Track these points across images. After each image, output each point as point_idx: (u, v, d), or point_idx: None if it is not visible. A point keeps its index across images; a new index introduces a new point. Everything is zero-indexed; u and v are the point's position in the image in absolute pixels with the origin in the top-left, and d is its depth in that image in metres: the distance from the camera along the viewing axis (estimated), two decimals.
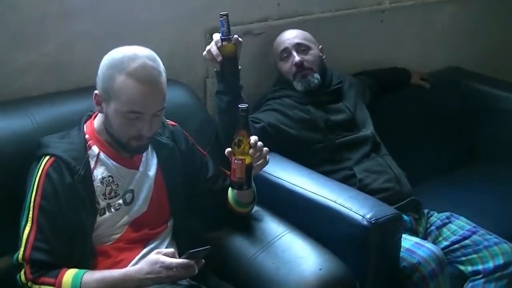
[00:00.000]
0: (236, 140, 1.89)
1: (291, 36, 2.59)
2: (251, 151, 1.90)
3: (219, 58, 2.14)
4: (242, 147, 1.88)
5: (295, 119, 2.48)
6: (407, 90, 3.10)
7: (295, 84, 2.54)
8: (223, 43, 2.13)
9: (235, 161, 1.90)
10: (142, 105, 1.77)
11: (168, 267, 1.70)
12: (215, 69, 2.23)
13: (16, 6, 2.13)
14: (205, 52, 2.17)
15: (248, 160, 1.90)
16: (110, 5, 2.32)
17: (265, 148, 1.95)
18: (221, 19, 2.11)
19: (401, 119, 3.00)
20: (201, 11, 2.53)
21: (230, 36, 2.13)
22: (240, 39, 2.17)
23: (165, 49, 2.42)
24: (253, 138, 1.90)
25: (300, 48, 2.56)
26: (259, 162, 1.95)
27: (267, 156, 1.97)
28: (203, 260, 1.77)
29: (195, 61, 2.56)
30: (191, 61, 2.56)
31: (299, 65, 2.52)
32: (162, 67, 1.83)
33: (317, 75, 2.54)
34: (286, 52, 2.57)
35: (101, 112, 1.85)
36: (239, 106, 1.87)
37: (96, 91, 1.83)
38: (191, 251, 1.73)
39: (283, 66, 2.58)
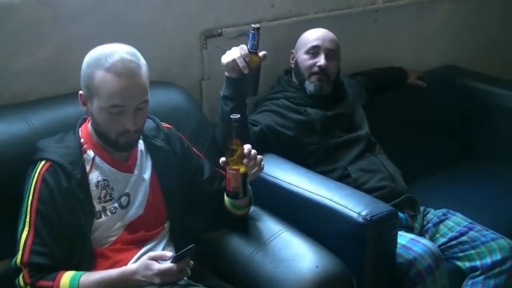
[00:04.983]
0: (229, 150, 1.90)
1: (327, 37, 2.58)
2: (245, 160, 1.91)
3: (246, 71, 2.15)
4: (235, 156, 1.90)
5: (292, 121, 2.49)
6: (403, 89, 3.11)
7: (307, 83, 2.54)
8: (251, 55, 2.15)
9: (230, 171, 1.91)
10: (123, 98, 1.78)
11: (161, 273, 1.73)
12: (227, 74, 2.24)
13: (13, 11, 2.15)
14: (227, 60, 2.18)
15: (242, 169, 1.91)
16: (106, 9, 2.34)
17: (259, 156, 1.96)
18: (253, 31, 2.12)
19: (398, 117, 3.01)
20: (197, 14, 2.55)
21: (258, 50, 2.16)
22: (266, 53, 2.20)
23: (161, 52, 2.46)
24: (247, 147, 1.92)
25: (330, 53, 2.56)
26: (254, 170, 1.97)
27: (262, 163, 1.99)
28: (192, 261, 1.79)
29: (191, 63, 2.58)
30: (187, 63, 2.58)
31: (322, 69, 2.52)
32: (142, 61, 1.84)
33: (329, 87, 2.56)
34: (316, 50, 2.55)
35: (87, 113, 1.87)
36: (231, 116, 1.88)
37: (80, 91, 1.85)
38: (176, 254, 1.76)
39: (305, 61, 2.56)
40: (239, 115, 1.88)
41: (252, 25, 2.13)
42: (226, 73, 2.25)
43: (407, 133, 3.00)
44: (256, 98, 2.62)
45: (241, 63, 2.16)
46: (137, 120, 1.83)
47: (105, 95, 1.77)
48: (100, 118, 1.82)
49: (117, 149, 1.89)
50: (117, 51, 1.81)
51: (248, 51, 2.16)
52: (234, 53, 2.18)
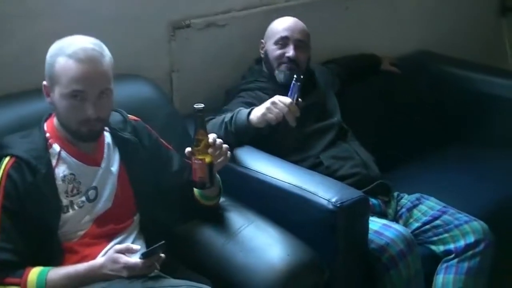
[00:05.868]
0: (195, 140, 1.88)
1: (296, 28, 2.57)
2: (210, 150, 1.90)
3: (294, 124, 2.16)
4: (201, 146, 1.88)
5: None
6: (377, 75, 3.11)
7: (277, 73, 2.53)
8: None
9: (195, 161, 1.90)
10: (83, 83, 1.77)
11: (128, 267, 1.72)
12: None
13: None
14: (271, 115, 2.16)
15: (208, 159, 1.90)
16: (72, 3, 2.32)
17: (225, 146, 1.96)
18: (299, 83, 2.12)
19: (372, 104, 3.01)
20: (164, 5, 2.54)
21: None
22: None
23: (129, 45, 2.45)
24: (212, 137, 1.91)
25: (300, 44, 2.54)
26: (220, 159, 1.96)
27: (228, 153, 1.98)
28: (163, 255, 1.78)
29: (160, 56, 2.57)
30: (156, 56, 2.57)
31: (292, 60, 2.51)
32: (106, 52, 1.84)
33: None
34: (285, 41, 2.53)
35: (51, 104, 1.86)
36: (195, 106, 1.87)
37: (44, 82, 1.85)
38: (145, 251, 1.76)
39: (274, 51, 2.54)
40: (203, 105, 1.87)
41: (296, 77, 2.13)
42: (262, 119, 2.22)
43: (382, 120, 3.01)
44: (228, 87, 2.61)
45: (292, 122, 2.16)
46: (99, 109, 1.81)
47: (66, 80, 1.77)
48: (61, 106, 1.81)
49: (80, 139, 1.87)
50: (80, 41, 1.83)
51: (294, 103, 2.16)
52: (281, 107, 2.15)
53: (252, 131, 2.24)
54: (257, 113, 2.22)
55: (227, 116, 2.29)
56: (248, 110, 2.25)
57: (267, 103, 2.19)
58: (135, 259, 1.74)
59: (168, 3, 2.53)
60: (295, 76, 2.13)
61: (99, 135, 1.91)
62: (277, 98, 2.18)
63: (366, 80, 3.05)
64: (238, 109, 2.30)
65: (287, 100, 2.16)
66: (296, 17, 2.62)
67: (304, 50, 2.56)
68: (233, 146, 2.22)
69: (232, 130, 2.23)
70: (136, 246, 1.79)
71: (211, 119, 2.34)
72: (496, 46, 3.89)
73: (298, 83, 2.13)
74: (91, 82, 1.78)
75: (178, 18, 2.56)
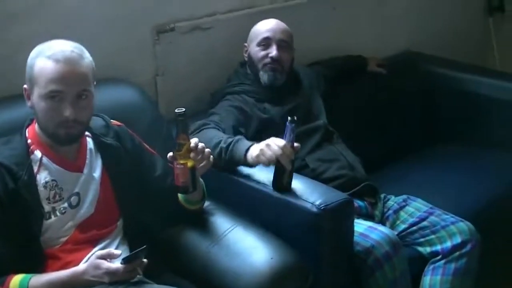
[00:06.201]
0: (177, 145, 1.88)
1: (278, 28, 2.56)
2: (192, 154, 1.89)
3: (289, 168, 2.10)
4: (183, 151, 1.88)
5: (253, 118, 2.47)
6: (365, 76, 3.10)
7: (261, 74, 2.53)
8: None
9: (178, 166, 1.89)
10: (60, 83, 1.77)
11: (110, 273, 1.72)
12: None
13: None
14: (264, 158, 2.09)
15: (190, 163, 1.89)
16: (55, 7, 2.31)
17: (207, 150, 1.94)
18: (293, 125, 2.06)
19: (360, 105, 3.00)
20: (148, 9, 2.53)
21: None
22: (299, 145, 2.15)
23: (113, 49, 2.44)
24: (193, 141, 1.90)
25: (282, 44, 2.54)
26: (202, 164, 1.95)
27: (211, 157, 1.97)
28: (145, 260, 1.78)
29: (144, 60, 2.56)
30: (140, 60, 2.56)
31: (275, 60, 2.51)
32: (86, 55, 1.85)
33: (284, 77, 2.54)
34: (267, 41, 2.53)
35: (31, 108, 1.85)
36: (176, 110, 1.85)
37: (24, 85, 1.85)
38: (126, 256, 1.75)
39: (257, 52, 2.54)
40: (184, 109, 1.86)
41: (290, 118, 2.07)
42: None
43: (370, 121, 3.00)
44: (214, 89, 2.60)
45: (287, 165, 2.08)
46: (77, 111, 1.80)
47: (44, 81, 1.78)
48: (39, 108, 1.81)
49: (58, 142, 1.86)
50: (60, 44, 1.84)
51: (290, 146, 2.09)
52: (274, 150, 2.08)
53: (244, 165, 2.21)
54: (253, 153, 2.14)
55: (224, 140, 2.21)
56: (247, 146, 2.17)
57: (262, 145, 2.13)
58: (116, 264, 1.74)
59: (151, 7, 2.52)
60: (289, 118, 2.08)
61: (77, 139, 1.90)
62: (272, 141, 2.11)
63: (353, 81, 3.04)
64: (237, 138, 2.22)
65: (281, 142, 2.09)
66: (282, 19, 2.61)
67: (287, 50, 2.55)
68: (221, 169, 2.21)
69: (225, 158, 2.19)
70: (117, 251, 1.78)
71: (206, 124, 2.33)
72: (484, 45, 3.89)
73: (293, 125, 2.07)
74: (68, 82, 1.78)
75: (162, 22, 2.55)
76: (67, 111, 1.78)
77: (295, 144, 2.12)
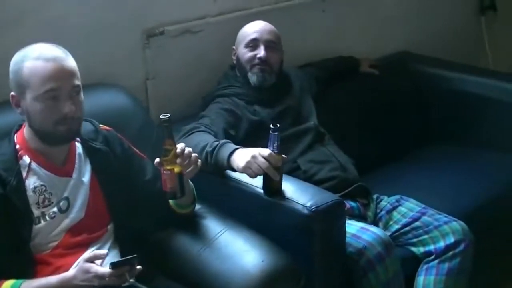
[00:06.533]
0: (163, 150, 1.87)
1: (265, 29, 2.57)
2: (178, 160, 1.89)
3: (277, 178, 2.08)
4: (169, 156, 1.87)
5: (243, 120, 2.47)
6: (357, 78, 3.10)
7: (250, 75, 2.52)
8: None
9: (165, 171, 1.89)
10: (55, 80, 1.78)
11: (99, 277, 1.71)
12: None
13: None
14: (251, 171, 2.06)
15: (177, 169, 1.89)
16: (44, 13, 2.30)
17: (194, 154, 1.94)
18: (276, 133, 2.04)
19: (353, 107, 2.99)
20: (137, 13, 2.53)
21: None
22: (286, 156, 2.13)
23: (103, 54, 2.44)
24: (180, 146, 1.90)
25: (270, 44, 2.54)
26: (190, 169, 1.94)
27: (198, 161, 1.96)
28: (140, 267, 1.77)
29: (134, 64, 2.56)
30: (130, 64, 2.55)
31: (263, 61, 2.51)
32: (69, 54, 1.86)
33: (273, 77, 2.54)
34: (255, 43, 2.53)
35: (22, 114, 1.85)
36: (161, 116, 1.85)
37: (11, 93, 1.84)
38: (115, 261, 1.75)
39: (245, 54, 2.54)
40: (169, 115, 1.85)
41: (273, 127, 2.05)
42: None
43: (362, 122, 2.99)
44: (205, 93, 2.60)
45: (274, 176, 2.06)
46: (74, 107, 1.81)
47: (38, 82, 1.77)
48: (35, 111, 1.80)
49: (57, 141, 1.86)
50: (42, 45, 1.85)
51: (274, 152, 2.06)
52: (260, 163, 2.05)
53: (229, 169, 2.19)
54: (238, 162, 2.11)
55: (210, 143, 2.20)
56: (230, 150, 2.15)
57: (247, 156, 2.08)
58: (105, 268, 1.73)
59: (141, 10, 2.52)
60: (271, 126, 2.06)
61: (77, 134, 1.90)
62: (257, 151, 2.08)
63: (346, 82, 3.03)
64: (222, 142, 2.20)
65: (266, 152, 2.06)
66: (272, 21, 2.61)
67: (275, 51, 2.55)
68: (210, 173, 2.21)
69: (211, 163, 2.18)
70: (103, 251, 1.79)
71: (196, 128, 2.33)
72: (476, 45, 3.89)
73: (276, 133, 2.05)
74: (62, 78, 1.79)
75: (151, 25, 2.55)
76: (66, 108, 1.79)
77: (283, 156, 2.10)
